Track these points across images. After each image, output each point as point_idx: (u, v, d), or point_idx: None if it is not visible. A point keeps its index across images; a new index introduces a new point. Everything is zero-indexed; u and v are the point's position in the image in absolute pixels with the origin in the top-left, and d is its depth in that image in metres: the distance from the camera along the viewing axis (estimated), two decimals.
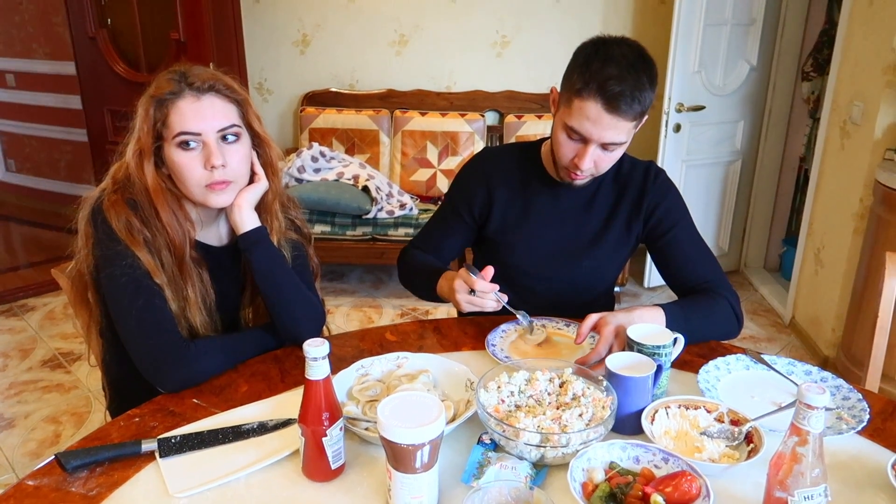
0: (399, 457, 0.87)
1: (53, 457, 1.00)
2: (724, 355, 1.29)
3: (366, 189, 3.41)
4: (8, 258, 4.45)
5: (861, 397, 1.14)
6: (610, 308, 1.64)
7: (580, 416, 1.02)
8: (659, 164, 3.32)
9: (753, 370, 1.26)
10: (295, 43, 3.98)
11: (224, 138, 1.23)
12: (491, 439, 1.03)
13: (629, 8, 3.71)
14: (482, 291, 1.28)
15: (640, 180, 1.49)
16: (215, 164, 1.20)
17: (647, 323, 1.25)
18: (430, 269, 1.49)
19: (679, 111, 3.34)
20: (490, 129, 3.84)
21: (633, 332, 1.16)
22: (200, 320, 1.32)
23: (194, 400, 1.18)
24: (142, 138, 1.23)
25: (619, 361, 1.10)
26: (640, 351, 1.14)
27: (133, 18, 3.23)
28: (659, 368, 1.12)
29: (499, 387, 1.08)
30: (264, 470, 1.00)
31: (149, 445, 1.03)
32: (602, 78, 1.24)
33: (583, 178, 1.39)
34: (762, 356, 1.28)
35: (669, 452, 0.95)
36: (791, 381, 1.21)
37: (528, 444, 0.96)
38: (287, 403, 1.15)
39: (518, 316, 1.35)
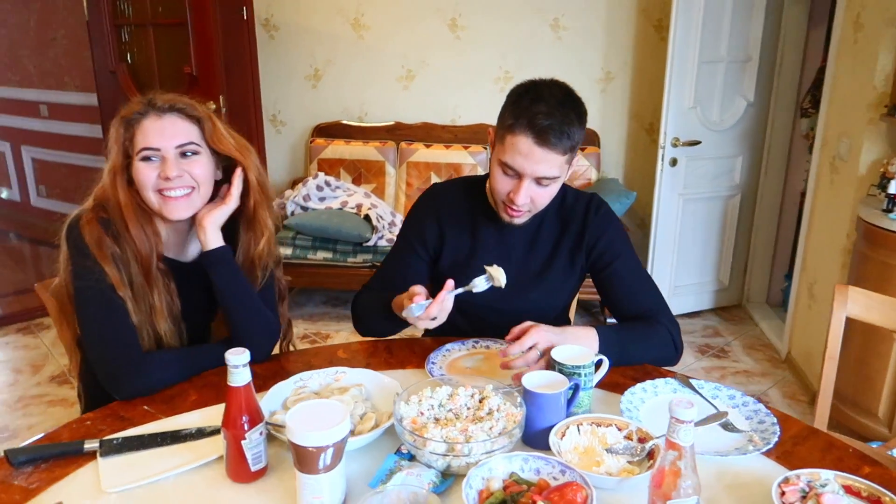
0: (302, 458, 0.94)
1: (2, 453, 1.09)
2: (655, 378, 1.33)
3: (367, 218, 3.52)
4: (33, 278, 4.65)
5: (776, 421, 1.18)
6: None
7: (490, 428, 1.08)
8: (656, 197, 3.41)
9: (680, 393, 1.30)
10: (307, 77, 4.15)
11: (184, 154, 1.34)
12: (408, 450, 1.09)
13: (629, 44, 3.80)
14: (440, 303, 1.27)
15: (581, 213, 1.54)
16: (169, 175, 1.30)
17: (579, 341, 1.31)
18: (381, 303, 1.48)
19: (675, 145, 3.39)
20: None
21: (557, 353, 1.22)
22: (165, 328, 1.41)
23: (145, 407, 1.27)
24: (113, 157, 1.35)
25: (535, 380, 1.16)
26: (560, 370, 1.20)
27: (150, 54, 3.42)
28: (576, 388, 1.18)
29: (420, 400, 1.15)
30: (193, 471, 1.08)
31: (91, 445, 1.11)
32: (531, 113, 1.31)
33: (519, 214, 1.43)
34: (690, 380, 1.32)
35: (566, 465, 1.00)
36: (712, 404, 1.25)
37: (433, 452, 1.02)
38: None
39: (477, 281, 1.33)
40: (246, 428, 1.02)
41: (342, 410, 0.98)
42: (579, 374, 1.19)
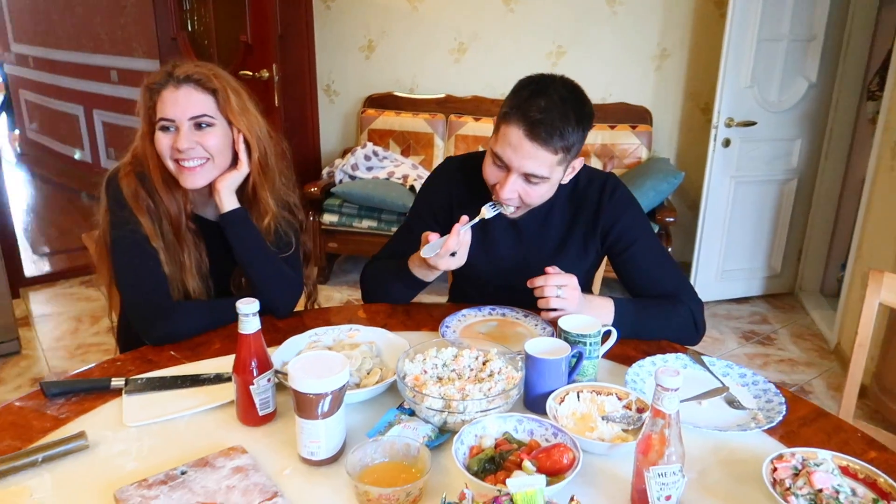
0: (301, 404, 0.99)
1: (39, 385, 1.19)
2: (667, 353, 1.32)
3: (413, 188, 3.56)
4: None
5: (783, 401, 1.16)
6: None
7: (489, 389, 1.10)
8: (706, 178, 3.33)
9: (691, 369, 1.29)
10: (361, 48, 4.19)
11: (198, 125, 1.39)
12: (409, 406, 1.13)
13: (688, 19, 3.68)
14: (454, 236, 1.32)
15: (595, 197, 1.50)
16: (180, 146, 1.36)
17: (595, 309, 1.32)
18: (395, 265, 1.51)
19: (729, 126, 3.29)
20: None
21: (564, 321, 1.23)
22: (194, 285, 1.49)
23: (171, 352, 1.34)
24: (142, 123, 1.43)
25: (539, 346, 1.18)
26: (565, 338, 1.21)
27: (209, 22, 3.52)
28: (580, 356, 1.19)
29: (424, 359, 1.18)
30: (207, 413, 1.15)
31: (117, 382, 1.20)
32: (527, 106, 1.28)
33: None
34: (702, 357, 1.31)
35: (559, 428, 1.02)
36: (720, 381, 1.24)
37: (430, 408, 1.06)
38: None
39: (485, 209, 1.39)
40: (255, 374, 1.08)
41: (342, 362, 1.02)
42: (584, 343, 1.20)
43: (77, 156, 5.86)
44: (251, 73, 3.33)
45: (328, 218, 3.62)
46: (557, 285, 1.29)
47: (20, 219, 5.04)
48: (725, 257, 3.56)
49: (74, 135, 5.80)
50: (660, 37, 3.73)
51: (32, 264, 4.04)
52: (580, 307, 1.31)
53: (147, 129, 1.43)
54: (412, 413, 1.11)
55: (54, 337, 3.15)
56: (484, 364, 1.18)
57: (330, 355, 1.05)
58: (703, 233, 3.48)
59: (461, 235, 1.31)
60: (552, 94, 1.29)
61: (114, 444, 1.07)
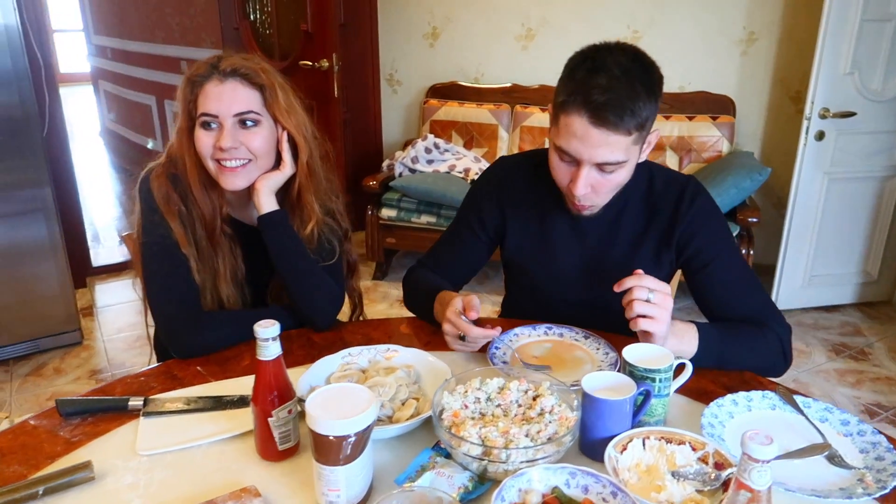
0: (319, 447, 0.87)
1: (55, 402, 1.11)
2: (751, 390, 1.13)
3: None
4: None
5: None
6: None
7: (538, 432, 0.95)
8: (796, 174, 3.03)
9: (780, 411, 1.10)
10: (425, 36, 4.06)
11: (243, 123, 1.29)
12: (446, 447, 0.99)
13: (778, 0, 3.36)
14: (472, 338, 1.17)
15: (672, 204, 1.31)
16: (222, 145, 1.26)
17: (678, 335, 1.15)
18: (429, 288, 1.36)
19: (823, 117, 2.99)
20: None
21: (629, 352, 1.06)
22: (228, 292, 1.39)
23: (198, 367, 1.25)
24: (180, 118, 1.33)
25: (598, 381, 1.01)
26: (630, 373, 1.04)
27: (271, 11, 3.46)
28: (647, 395, 1.02)
29: (466, 391, 1.04)
30: (225, 441, 1.04)
31: (136, 403, 1.11)
32: (587, 88, 1.11)
33: (587, 207, 1.25)
34: (794, 397, 1.11)
35: (619, 486, 0.86)
36: (818, 429, 1.04)
37: (467, 454, 0.92)
38: None
39: (489, 353, 1.23)
40: (274, 405, 0.97)
41: (368, 398, 0.89)
42: (653, 380, 1.03)
43: (150, 145, 5.99)
44: (311, 63, 3.25)
45: (386, 212, 3.51)
46: (649, 288, 1.09)
47: (95, 208, 5.18)
48: (814, 261, 3.25)
49: (147, 125, 5.92)
50: (747, 19, 3.43)
51: (102, 254, 4.12)
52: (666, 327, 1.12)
53: (186, 125, 1.34)
54: (449, 455, 0.98)
55: (116, 328, 3.17)
56: (534, 400, 1.03)
57: (355, 389, 0.92)
58: (790, 234, 3.19)
59: (476, 338, 1.16)
60: (612, 68, 1.11)
61: (123, 475, 0.97)
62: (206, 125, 1.29)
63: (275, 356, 0.97)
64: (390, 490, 0.89)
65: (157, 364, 1.28)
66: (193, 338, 1.28)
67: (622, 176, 1.21)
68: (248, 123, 1.29)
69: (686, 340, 1.18)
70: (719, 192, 3.00)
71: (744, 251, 3.03)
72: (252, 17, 3.57)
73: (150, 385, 1.20)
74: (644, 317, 1.08)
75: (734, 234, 3.04)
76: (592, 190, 1.21)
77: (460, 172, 3.52)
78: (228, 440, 1.04)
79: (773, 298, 3.26)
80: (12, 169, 2.67)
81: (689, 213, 1.30)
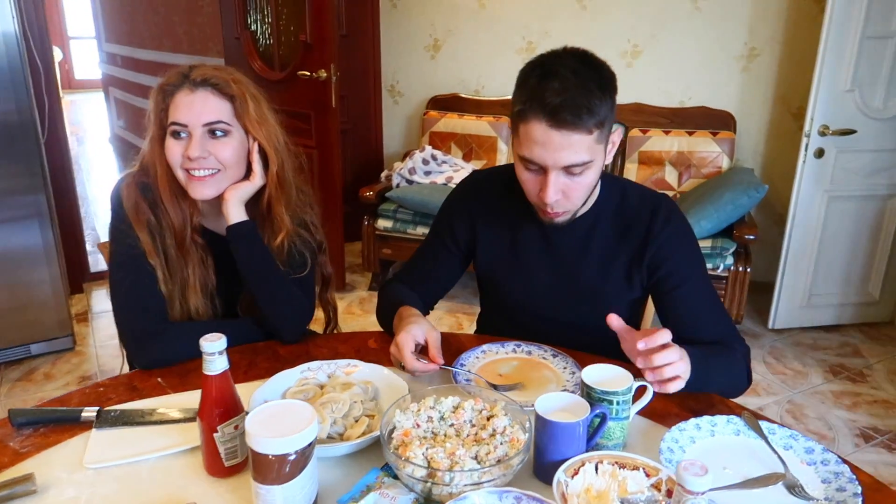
0: (257, 465, 0.85)
1: (7, 412, 1.10)
2: (716, 414, 1.10)
3: None
4: None
5: (859, 492, 0.92)
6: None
7: (487, 454, 0.93)
8: (794, 192, 2.99)
9: (744, 437, 1.07)
10: (427, 47, 4.06)
11: (212, 133, 1.28)
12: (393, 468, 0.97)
13: (780, 15, 3.34)
14: (411, 369, 1.15)
15: (645, 222, 1.29)
16: (190, 155, 1.25)
17: None
18: (395, 303, 1.34)
19: (823, 134, 2.95)
20: None
21: (588, 373, 1.04)
22: (197, 304, 1.38)
23: (158, 379, 1.24)
24: (152, 127, 1.33)
25: (552, 403, 0.99)
26: (588, 394, 1.02)
27: (272, 21, 3.47)
28: (603, 418, 0.99)
29: (419, 409, 1.02)
30: (174, 456, 1.02)
31: (88, 414, 1.09)
32: (541, 93, 1.10)
33: (559, 215, 1.24)
34: (760, 423, 1.08)
35: None
36: (780, 457, 1.01)
37: (411, 476, 0.90)
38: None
39: (453, 371, 1.20)
40: (219, 420, 0.95)
41: (309, 416, 0.87)
42: (610, 402, 1.00)
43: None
44: (309, 74, 3.26)
45: (382, 223, 3.50)
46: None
47: (102, 214, 5.21)
48: (814, 280, 3.20)
49: None
50: (748, 34, 3.40)
51: (101, 259, 4.14)
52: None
53: (157, 134, 1.34)
54: (397, 476, 0.95)
55: (109, 334, 3.18)
56: (488, 420, 1.00)
57: (298, 406, 0.90)
58: (789, 252, 3.14)
59: (418, 368, 1.15)
60: (562, 72, 1.11)
61: (66, 488, 0.96)
62: (175, 134, 1.28)
63: (220, 371, 0.95)
64: None
65: (116, 375, 1.27)
66: (155, 349, 1.27)
67: (590, 177, 1.19)
68: (218, 133, 1.29)
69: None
70: (717, 207, 2.97)
71: (741, 269, 2.99)
72: (253, 27, 3.58)
73: (108, 396, 1.18)
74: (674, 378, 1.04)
75: (731, 251, 3.00)
76: (563, 196, 1.19)
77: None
78: (178, 455, 1.03)
79: (771, 317, 3.22)
80: (8, 175, 2.68)
81: (662, 233, 1.28)
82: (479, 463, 0.91)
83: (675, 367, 1.03)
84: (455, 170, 3.62)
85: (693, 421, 1.08)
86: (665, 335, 1.02)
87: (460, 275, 1.50)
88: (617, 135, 1.24)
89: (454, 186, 1.51)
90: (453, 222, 1.43)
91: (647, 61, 3.62)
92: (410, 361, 1.14)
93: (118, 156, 7.02)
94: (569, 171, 1.16)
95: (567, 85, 1.09)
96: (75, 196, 3.56)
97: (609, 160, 1.25)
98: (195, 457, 1.02)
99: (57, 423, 1.09)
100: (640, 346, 1.01)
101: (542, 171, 1.17)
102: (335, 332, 1.59)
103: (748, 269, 3.01)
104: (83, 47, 10.12)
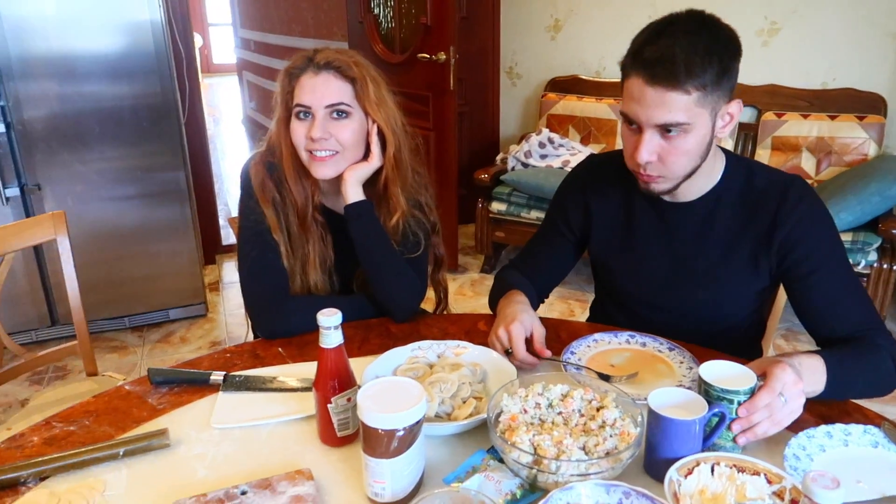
0: (368, 439, 0.88)
1: (147, 371, 1.20)
2: (851, 423, 1.02)
3: None
4: None
5: None
6: (745, 344, 1.38)
7: (595, 445, 0.91)
8: None
9: (883, 450, 0.98)
10: (547, 28, 3.99)
11: (334, 114, 1.32)
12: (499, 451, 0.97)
13: None
14: (520, 359, 1.16)
15: (774, 203, 1.20)
16: (313, 136, 1.30)
17: (807, 373, 1.01)
18: (505, 288, 1.35)
19: None
20: (742, 126, 3.43)
21: (707, 370, 0.99)
22: (316, 279, 1.44)
23: (279, 349, 1.30)
24: (278, 109, 1.39)
25: (667, 398, 0.95)
26: (706, 392, 0.97)
27: (394, 5, 3.53)
28: (722, 417, 0.94)
29: (527, 395, 1.01)
30: (291, 423, 1.08)
31: (216, 378, 1.17)
32: (642, 48, 1.08)
33: (652, 178, 1.18)
34: None
35: None
36: None
37: (517, 461, 0.89)
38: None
39: (563, 359, 1.19)
40: (333, 392, 0.99)
41: (418, 394, 0.89)
42: (730, 402, 0.94)
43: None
44: (428, 56, 3.29)
45: (496, 206, 3.49)
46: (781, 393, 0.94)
47: (232, 191, 5.55)
48: None
49: None
50: None
51: (232, 234, 4.41)
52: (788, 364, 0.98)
53: (283, 115, 1.40)
54: (503, 460, 0.95)
55: (237, 304, 3.38)
56: (598, 411, 0.98)
57: (408, 384, 0.92)
58: None
59: (525, 359, 1.16)
60: (672, 30, 1.08)
61: (194, 445, 1.03)
62: (300, 115, 1.33)
63: (336, 345, 0.99)
64: (439, 488, 0.89)
65: (242, 342, 1.35)
66: (277, 320, 1.33)
67: (690, 143, 1.13)
68: (339, 115, 1.32)
69: (815, 380, 1.04)
70: (860, 198, 2.72)
71: (885, 266, 2.74)
72: (376, 10, 3.66)
73: (234, 362, 1.26)
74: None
75: (875, 246, 2.75)
76: (659, 159, 1.14)
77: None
78: (294, 422, 1.08)
79: None
80: (153, 153, 2.91)
81: (793, 215, 1.19)
82: (586, 454, 0.89)
83: (762, 428, 0.94)
84: (572, 153, 3.55)
85: (823, 428, 1.00)
86: (766, 397, 0.93)
87: (574, 262, 1.47)
88: (735, 107, 1.17)
89: (570, 170, 1.47)
90: (567, 206, 1.40)
91: (785, 39, 3.36)
92: (523, 353, 1.15)
93: (249, 136, 7.44)
94: (665, 132, 1.11)
95: (671, 42, 1.06)
96: (210, 174, 3.80)
97: (724, 134, 1.19)
98: (310, 425, 1.07)
99: (189, 384, 1.18)
100: (742, 413, 0.94)
101: (639, 129, 1.13)
102: (445, 312, 1.61)
103: (894, 267, 2.75)
104: (221, 33, 10.75)
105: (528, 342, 1.18)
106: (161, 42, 2.78)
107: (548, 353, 1.16)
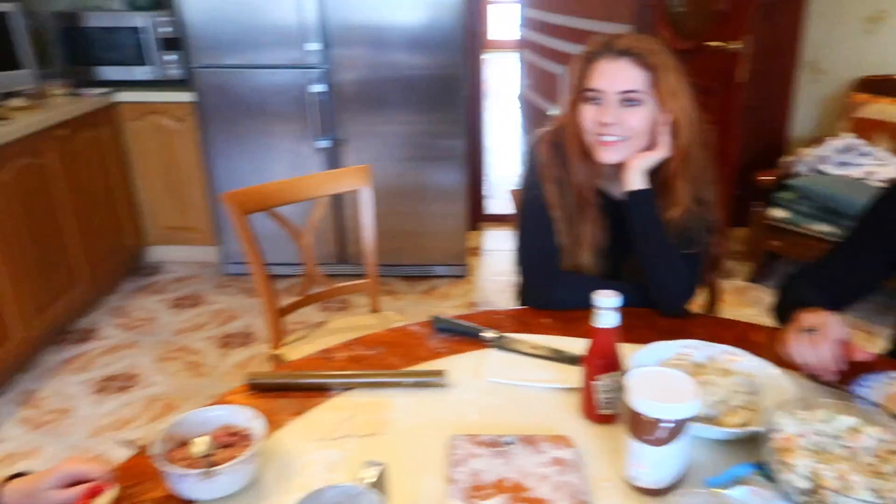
0: (633, 422, 0.90)
1: (431, 318, 1.34)
2: None
3: None
4: None
5: None
6: None
7: (890, 492, 0.82)
8: None
9: None
10: (865, 19, 3.50)
11: (626, 101, 1.32)
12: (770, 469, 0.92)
13: None
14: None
15: None
16: (604, 120, 1.31)
17: None
18: (798, 301, 1.20)
19: None
20: None
21: None
22: (586, 260, 1.48)
23: (545, 319, 1.37)
24: (571, 90, 1.43)
25: None
26: None
27: None
28: None
29: (807, 419, 0.94)
30: (554, 391, 1.14)
31: (487, 334, 1.28)
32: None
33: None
34: None
35: None
36: None
37: (790, 484, 0.84)
38: None
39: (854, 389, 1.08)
40: (599, 370, 1.02)
41: (692, 391, 0.88)
42: None
43: (550, 112, 6.43)
44: (718, 44, 3.10)
45: (776, 213, 3.21)
46: None
47: (497, 163, 5.80)
48: None
49: (552, 92, 6.35)
50: None
51: (494, 204, 4.63)
52: None
53: (574, 98, 1.44)
54: (771, 479, 0.91)
55: (494, 271, 3.57)
56: (893, 454, 0.88)
57: (682, 378, 0.92)
58: None
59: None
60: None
61: (466, 391, 1.14)
62: (591, 99, 1.36)
63: (609, 326, 1.01)
64: (699, 488, 0.89)
65: (506, 308, 1.44)
66: (548, 293, 1.40)
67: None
68: (631, 102, 1.33)
69: None
70: None
71: None
72: None
73: (503, 324, 1.35)
74: None
75: None
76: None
77: (880, 181, 3.02)
78: (559, 391, 1.14)
79: None
80: (439, 121, 3.18)
81: None
82: (875, 496, 0.82)
83: None
84: (879, 164, 3.11)
85: None
86: None
87: (880, 280, 1.31)
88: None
89: (889, 185, 1.31)
90: (890, 220, 1.26)
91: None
92: (829, 368, 1.06)
93: (522, 112, 7.67)
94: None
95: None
96: (483, 145, 4.02)
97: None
98: (572, 397, 1.11)
99: (463, 335, 1.30)
100: None
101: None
102: (713, 314, 1.55)
103: None
104: (496, 11, 11.15)
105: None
106: (459, 18, 3.00)
107: (869, 355, 1.07)
